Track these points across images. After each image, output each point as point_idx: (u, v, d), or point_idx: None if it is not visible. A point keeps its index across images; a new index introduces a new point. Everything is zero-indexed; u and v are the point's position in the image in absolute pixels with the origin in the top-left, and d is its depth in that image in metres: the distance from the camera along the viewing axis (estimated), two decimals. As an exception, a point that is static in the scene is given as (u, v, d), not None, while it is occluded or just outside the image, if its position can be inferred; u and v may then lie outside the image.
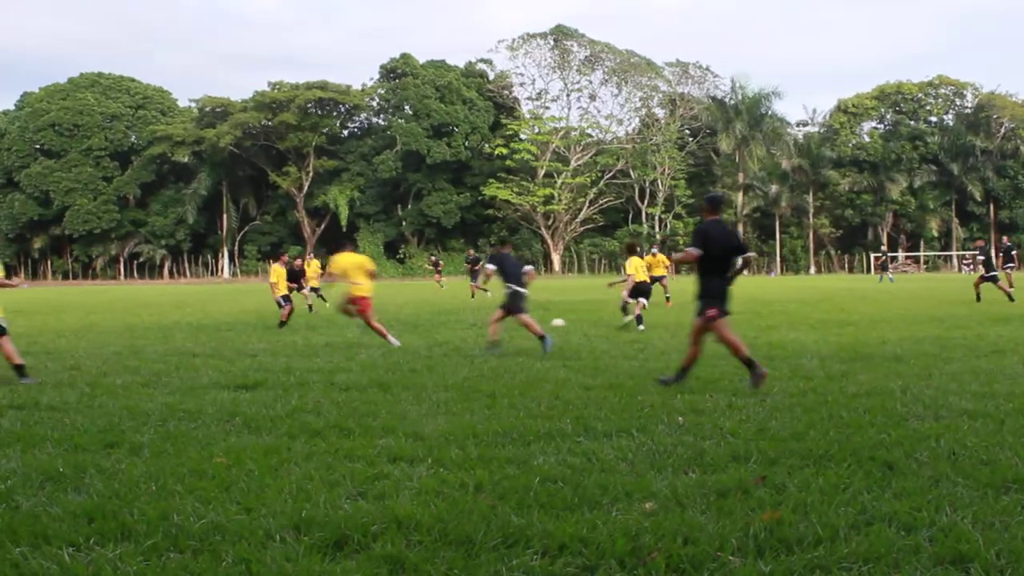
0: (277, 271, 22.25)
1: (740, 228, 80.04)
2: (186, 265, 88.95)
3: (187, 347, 15.65)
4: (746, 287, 41.56)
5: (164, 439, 7.50)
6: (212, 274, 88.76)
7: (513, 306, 14.14)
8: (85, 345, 16.66)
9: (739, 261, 10.03)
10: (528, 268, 14.77)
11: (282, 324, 20.68)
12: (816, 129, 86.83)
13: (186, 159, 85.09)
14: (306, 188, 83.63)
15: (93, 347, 16.21)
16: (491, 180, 79.73)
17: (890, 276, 51.36)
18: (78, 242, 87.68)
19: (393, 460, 6.68)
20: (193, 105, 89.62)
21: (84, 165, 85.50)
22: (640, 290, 19.13)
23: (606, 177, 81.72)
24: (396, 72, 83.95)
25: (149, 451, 7.07)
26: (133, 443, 7.34)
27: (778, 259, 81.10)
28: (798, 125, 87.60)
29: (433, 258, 54.06)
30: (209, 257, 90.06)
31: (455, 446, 7.09)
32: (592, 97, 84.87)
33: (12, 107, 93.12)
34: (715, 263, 9.77)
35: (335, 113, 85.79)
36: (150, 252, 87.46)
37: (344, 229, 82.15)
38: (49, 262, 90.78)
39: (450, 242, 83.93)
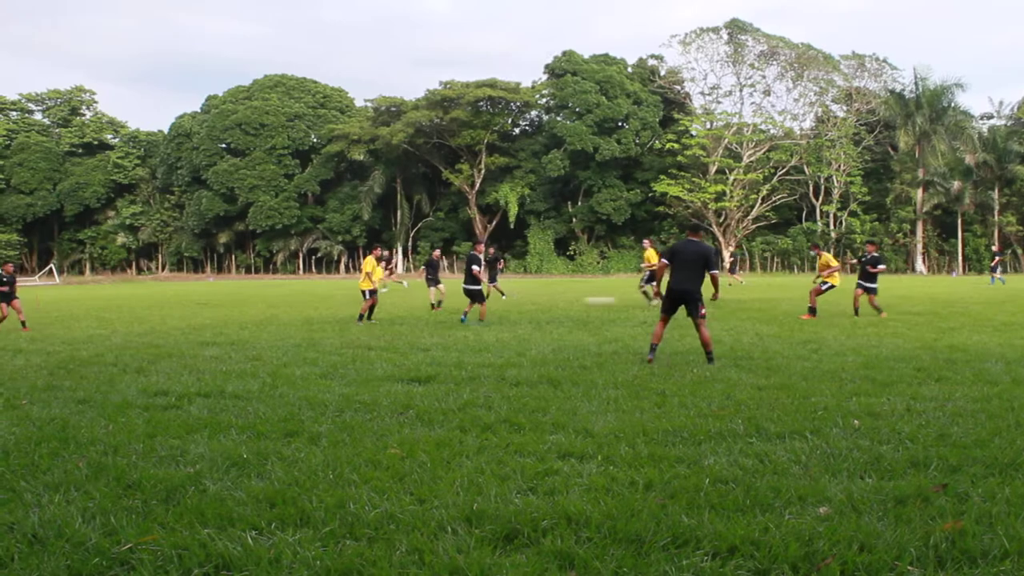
0: (370, 262, 22.53)
1: (919, 226, 77.05)
2: (361, 260, 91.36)
3: (362, 340, 16.08)
4: (926, 287, 39.87)
5: (341, 429, 7.76)
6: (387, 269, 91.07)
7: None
8: (266, 337, 17.33)
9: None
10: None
11: (362, 318, 21.08)
12: (1003, 122, 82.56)
13: (362, 157, 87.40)
14: (478, 185, 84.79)
15: (274, 339, 16.86)
16: (662, 176, 79.05)
17: (1000, 277, 48.10)
18: (260, 237, 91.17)
19: (563, 456, 6.72)
20: (369, 104, 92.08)
21: (267, 163, 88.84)
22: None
23: (779, 174, 79.89)
24: (560, 70, 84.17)
25: (327, 441, 7.33)
26: (312, 433, 7.62)
27: (960, 258, 77.54)
28: (983, 118, 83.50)
29: (491, 250, 52.42)
30: (383, 252, 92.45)
31: (625, 444, 7.08)
32: (766, 92, 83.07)
33: (198, 110, 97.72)
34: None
35: (505, 111, 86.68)
36: (327, 247, 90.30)
37: (513, 226, 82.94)
38: (233, 256, 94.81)
39: (620, 239, 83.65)
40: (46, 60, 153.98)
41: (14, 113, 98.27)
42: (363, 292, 21.88)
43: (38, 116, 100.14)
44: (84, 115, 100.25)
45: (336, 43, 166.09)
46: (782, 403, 8.82)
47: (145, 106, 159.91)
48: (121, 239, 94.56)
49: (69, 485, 6.05)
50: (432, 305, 26.61)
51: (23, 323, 21.63)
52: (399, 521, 5.15)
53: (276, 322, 21.85)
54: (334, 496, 5.63)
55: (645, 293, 26.39)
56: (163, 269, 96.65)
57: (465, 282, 21.16)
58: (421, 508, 5.39)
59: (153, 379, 11.13)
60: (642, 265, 27.51)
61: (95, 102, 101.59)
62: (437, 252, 31.25)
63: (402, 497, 5.63)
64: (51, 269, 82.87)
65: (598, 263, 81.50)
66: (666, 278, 12.95)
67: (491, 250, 30.53)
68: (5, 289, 22.02)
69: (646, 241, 29.33)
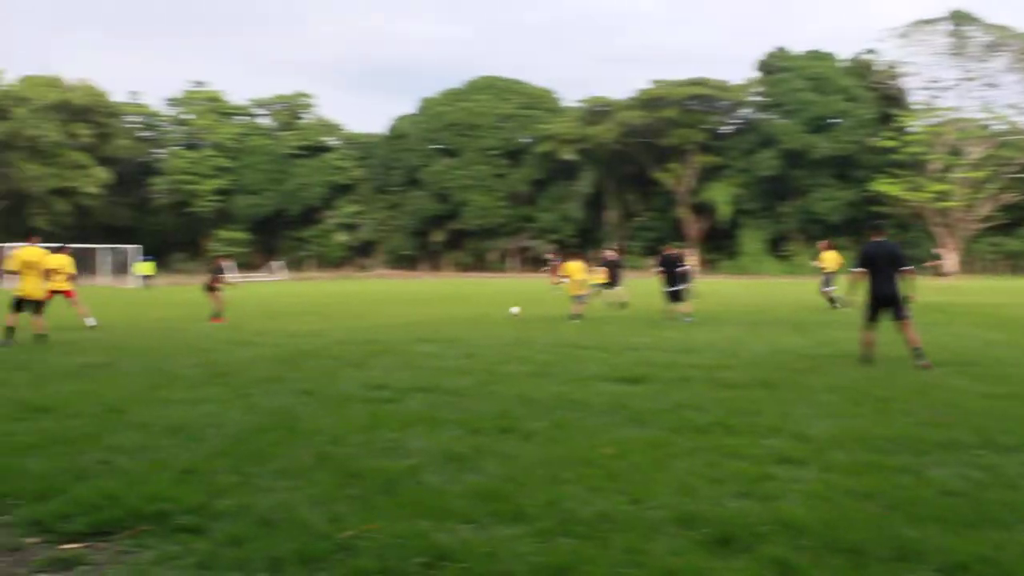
0: (574, 266, 23.23)
1: None
2: (561, 261, 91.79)
3: (573, 339, 16.20)
4: None
5: (554, 427, 7.84)
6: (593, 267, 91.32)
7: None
8: (479, 334, 17.67)
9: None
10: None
11: (573, 317, 21.44)
12: None
13: (571, 157, 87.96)
14: (688, 185, 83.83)
15: (486, 336, 17.18)
16: (879, 174, 75.96)
17: None
18: (473, 236, 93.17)
19: (779, 461, 6.59)
20: (577, 104, 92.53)
21: (479, 163, 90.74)
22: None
23: (1009, 171, 75.31)
24: (771, 67, 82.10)
25: (540, 438, 7.42)
26: (526, 430, 7.73)
27: None
28: None
29: (550, 255, 50.99)
30: (593, 252, 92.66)
31: (842, 450, 6.88)
32: (992, 86, 78.51)
33: (413, 111, 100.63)
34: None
35: (715, 109, 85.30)
36: (538, 247, 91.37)
37: (728, 227, 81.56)
38: (447, 255, 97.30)
39: (835, 239, 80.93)
40: (271, 67, 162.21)
41: (243, 118, 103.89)
42: (576, 297, 22.62)
43: (263, 120, 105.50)
44: (304, 119, 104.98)
45: (542, 44, 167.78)
46: (1014, 413, 8.34)
47: (361, 109, 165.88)
48: (340, 237, 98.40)
49: (296, 472, 6.36)
50: (617, 306, 26.46)
51: (217, 315, 23.34)
52: (613, 520, 5.17)
53: (488, 320, 22.26)
54: (548, 493, 5.70)
55: (831, 299, 25.58)
56: (380, 266, 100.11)
57: (668, 284, 21.71)
58: (634, 508, 5.39)
59: (372, 373, 11.54)
60: (818, 266, 26.65)
61: (314, 106, 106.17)
62: (611, 252, 30.84)
63: (615, 496, 5.65)
64: (276, 265, 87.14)
65: (812, 264, 79.06)
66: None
67: (611, 253, 29.97)
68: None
69: (823, 243, 28.46)
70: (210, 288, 24.62)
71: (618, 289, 27.20)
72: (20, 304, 16.80)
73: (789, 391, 9.75)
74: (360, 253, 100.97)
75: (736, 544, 4.82)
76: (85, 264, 74.23)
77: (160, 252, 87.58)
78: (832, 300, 25.54)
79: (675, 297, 21.87)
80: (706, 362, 12.39)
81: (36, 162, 79.44)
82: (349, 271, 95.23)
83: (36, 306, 16.95)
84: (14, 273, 17.13)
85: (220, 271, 25.25)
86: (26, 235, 18.95)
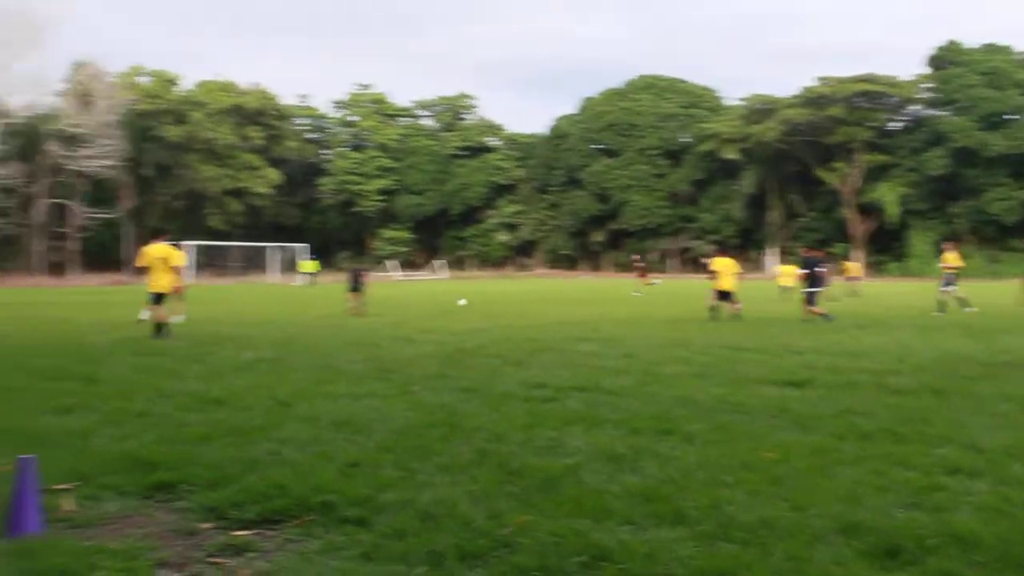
0: (723, 262, 23.44)
1: None
2: (711, 261, 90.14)
3: (733, 341, 15.98)
4: None
5: (714, 429, 7.75)
6: (758, 269, 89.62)
7: None
8: (638, 334, 17.62)
9: None
10: None
11: (713, 314, 22.20)
12: None
13: (733, 156, 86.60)
14: (853, 184, 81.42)
15: (645, 336, 17.12)
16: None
17: None
18: (633, 236, 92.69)
19: (950, 472, 6.34)
20: (740, 103, 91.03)
21: (639, 163, 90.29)
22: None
23: None
24: (942, 62, 78.85)
25: (700, 440, 7.35)
26: (685, 431, 7.67)
27: None
28: None
29: (636, 257, 49.31)
30: (755, 253, 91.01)
31: (1019, 463, 6.58)
32: None
33: (573, 111, 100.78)
34: None
35: (883, 106, 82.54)
36: (699, 247, 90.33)
37: (896, 228, 78.85)
38: (607, 255, 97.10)
39: (1011, 241, 77.12)
40: (433, 69, 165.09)
41: (406, 119, 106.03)
42: (719, 293, 22.48)
43: (426, 121, 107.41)
44: (466, 119, 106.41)
45: (704, 42, 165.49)
46: None
47: (522, 109, 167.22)
48: (501, 237, 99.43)
49: (457, 468, 6.47)
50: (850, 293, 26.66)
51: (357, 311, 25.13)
52: (774, 526, 5.08)
53: (647, 320, 22.17)
54: (708, 496, 5.64)
55: (956, 299, 24.85)
56: (540, 266, 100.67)
57: (807, 286, 22.47)
58: (797, 515, 5.28)
59: (532, 372, 11.64)
60: (943, 267, 26.31)
61: (476, 107, 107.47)
62: (810, 251, 30.23)
63: (776, 502, 5.55)
64: (438, 264, 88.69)
65: (987, 267, 75.57)
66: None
67: (636, 256, 30.72)
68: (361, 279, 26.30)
69: (948, 243, 27.54)
70: (354, 288, 26.11)
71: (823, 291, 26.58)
72: (155, 298, 17.65)
73: (961, 399, 9.38)
74: (520, 252, 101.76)
75: (903, 556, 4.67)
76: (256, 262, 77.41)
77: (325, 250, 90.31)
78: (959, 301, 25.14)
79: (811, 299, 22.17)
80: (873, 366, 12.02)
81: (211, 164, 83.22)
82: (509, 270, 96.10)
83: (161, 298, 17.78)
84: (144, 269, 17.95)
85: (362, 273, 26.89)
86: (155, 233, 19.83)
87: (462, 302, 29.29)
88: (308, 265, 63.12)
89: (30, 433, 7.64)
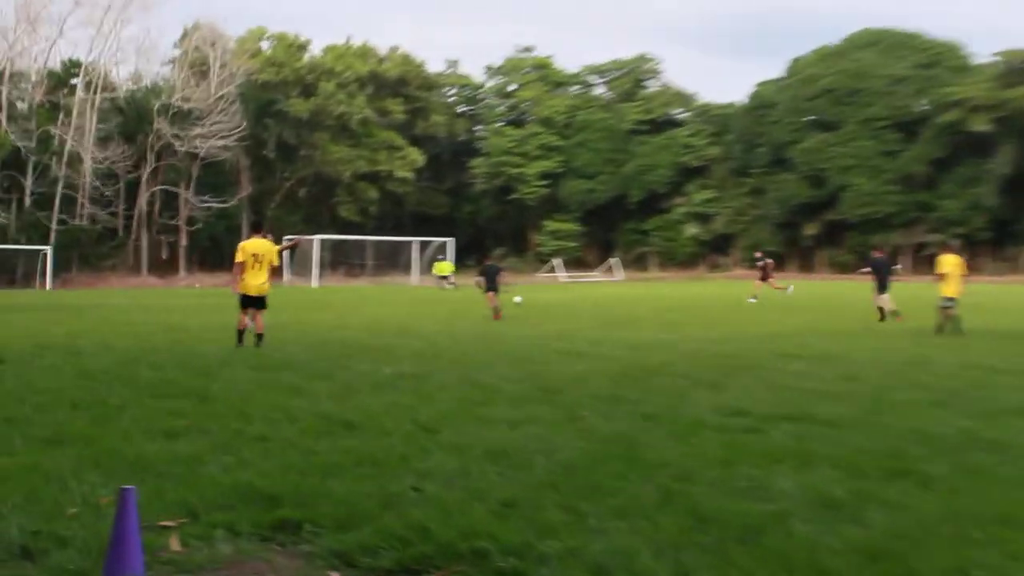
0: (951, 261, 23.29)
1: None
2: (985, 258, 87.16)
3: (986, 361, 15.46)
4: None
5: (960, 472, 7.49)
6: (1015, 271, 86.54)
7: None
8: (863, 350, 17.26)
9: None
10: None
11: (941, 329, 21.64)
12: None
13: (985, 128, 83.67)
14: None
15: (872, 353, 16.75)
16: None
17: None
18: (854, 229, 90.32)
19: None
20: (993, 60, 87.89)
21: (861, 138, 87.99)
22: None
23: None
24: None
25: (942, 486, 7.11)
26: (922, 474, 7.43)
27: None
28: None
29: (758, 254, 46.29)
30: (1013, 250, 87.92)
31: None
32: None
33: (779, 75, 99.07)
34: None
35: None
36: (940, 241, 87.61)
37: None
38: (821, 252, 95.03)
39: None
40: (607, 28, 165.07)
41: (575, 87, 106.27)
42: (945, 299, 22.38)
43: (599, 90, 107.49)
44: (649, 87, 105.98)
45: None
46: None
47: (717, 74, 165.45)
48: (690, 230, 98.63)
49: (636, 512, 6.42)
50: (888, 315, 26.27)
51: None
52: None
53: (873, 333, 21.69)
54: (953, 557, 5.44)
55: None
56: (737, 266, 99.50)
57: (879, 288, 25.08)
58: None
59: (729, 395, 11.51)
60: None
61: (661, 71, 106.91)
62: (878, 252, 29.99)
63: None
64: (613, 264, 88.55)
65: None
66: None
67: (758, 252, 30.45)
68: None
69: None
70: (491, 288, 27.67)
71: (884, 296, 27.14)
72: (245, 302, 18.12)
73: None
74: (713, 249, 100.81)
75: None
76: (394, 259, 78.95)
77: (477, 246, 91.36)
78: None
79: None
80: None
81: (343, 143, 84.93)
82: (700, 271, 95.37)
83: (258, 303, 18.20)
84: (241, 266, 18.42)
85: (498, 271, 28.47)
86: (255, 228, 20.14)
87: (517, 300, 31.48)
88: (442, 267, 64.28)
89: (133, 459, 7.94)
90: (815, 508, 6.51)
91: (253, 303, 18.20)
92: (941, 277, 22.87)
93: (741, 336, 20.54)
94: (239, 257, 18.42)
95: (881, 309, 26.32)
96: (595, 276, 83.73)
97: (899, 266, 24.64)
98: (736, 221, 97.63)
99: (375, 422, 9.70)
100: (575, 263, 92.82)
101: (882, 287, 26.65)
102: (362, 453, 8.18)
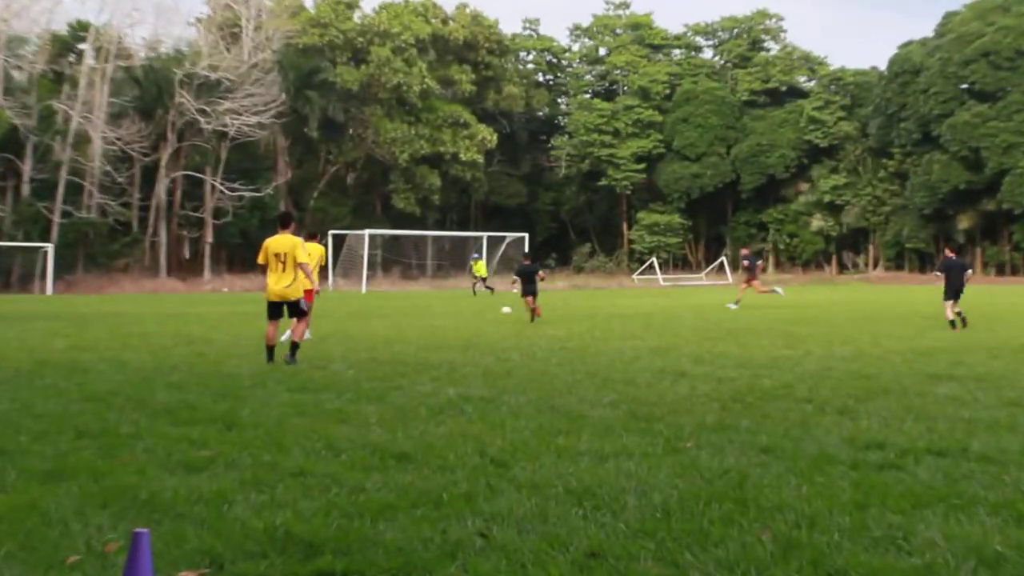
0: None
1: None
2: None
3: None
4: None
5: None
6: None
7: None
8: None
9: None
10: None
11: None
12: None
13: None
14: None
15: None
16: None
17: None
18: (1019, 221, 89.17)
19: None
20: None
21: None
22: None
23: None
24: None
25: None
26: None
27: None
28: None
29: (745, 251, 45.39)
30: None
31: None
32: None
33: (927, 35, 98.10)
34: None
35: None
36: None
37: None
38: (978, 250, 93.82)
39: None
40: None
41: (677, 52, 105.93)
42: None
43: (707, 55, 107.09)
44: (769, 50, 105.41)
45: None
46: None
47: (851, 33, 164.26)
48: (816, 223, 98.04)
49: (749, 564, 6.36)
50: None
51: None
52: None
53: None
54: None
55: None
56: (875, 266, 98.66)
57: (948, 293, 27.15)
58: None
59: (862, 424, 11.38)
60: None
61: (783, 31, 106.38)
62: (951, 251, 30.47)
63: None
64: (722, 263, 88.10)
65: None
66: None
67: (744, 250, 30.92)
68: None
69: None
70: (528, 292, 29.55)
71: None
72: (272, 310, 18.23)
73: None
74: (845, 246, 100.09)
75: None
76: (460, 258, 79.00)
77: (560, 241, 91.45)
78: None
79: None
80: None
81: (400, 120, 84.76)
82: (828, 273, 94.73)
83: (288, 309, 18.34)
84: (263, 268, 18.55)
85: (533, 272, 29.75)
86: (282, 220, 19.52)
87: (506, 310, 33.37)
88: (479, 267, 62.43)
89: (147, 497, 8.00)
90: (971, 561, 6.42)
91: (277, 311, 18.39)
92: None
93: (878, 352, 20.34)
94: (260, 257, 18.61)
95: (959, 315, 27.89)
96: (701, 278, 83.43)
97: (971, 271, 25.00)
98: (873, 212, 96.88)
99: (435, 454, 9.71)
100: (677, 263, 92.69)
101: (954, 293, 27.95)
102: (419, 491, 8.19)
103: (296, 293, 18.36)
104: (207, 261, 77.14)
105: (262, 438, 10.56)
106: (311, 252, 20.30)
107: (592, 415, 12.06)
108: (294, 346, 18.28)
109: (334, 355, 19.64)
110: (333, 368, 17.31)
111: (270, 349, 18.17)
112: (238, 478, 8.73)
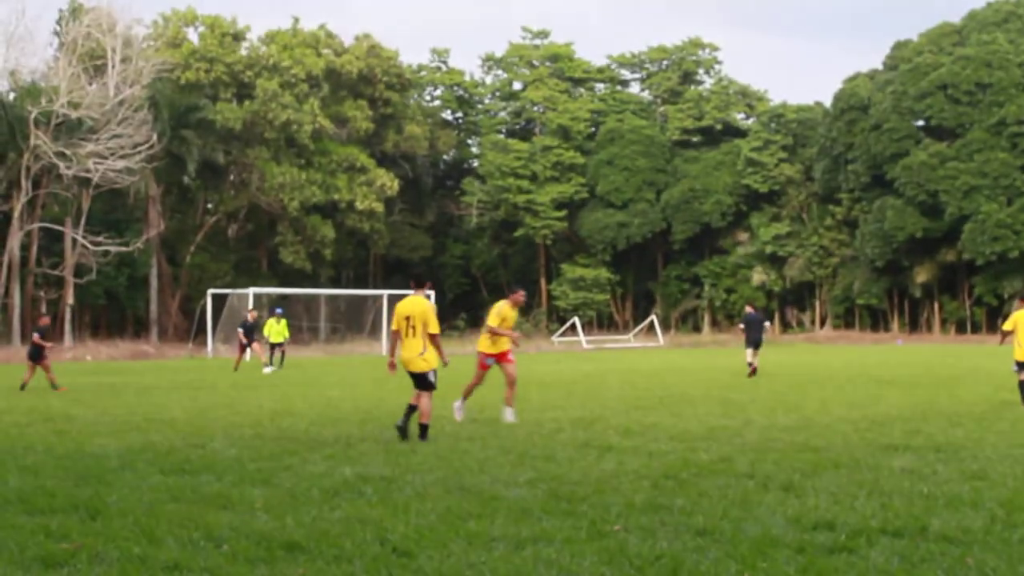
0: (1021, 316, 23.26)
1: None
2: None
3: None
4: None
5: None
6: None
7: None
8: (994, 438, 17.29)
9: None
10: None
11: None
12: None
13: None
14: None
15: (1007, 442, 16.73)
16: None
17: None
18: (981, 274, 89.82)
19: None
20: None
21: (991, 149, 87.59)
22: None
23: None
24: None
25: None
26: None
27: None
28: None
29: (749, 310, 45.58)
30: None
31: None
32: None
33: (876, 66, 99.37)
34: None
35: None
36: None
37: None
38: (935, 305, 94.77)
39: None
40: (645, 4, 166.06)
41: (600, 86, 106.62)
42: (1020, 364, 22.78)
43: (634, 89, 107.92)
44: (702, 84, 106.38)
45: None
46: None
47: (793, 65, 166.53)
48: (757, 277, 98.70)
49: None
50: None
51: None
52: None
53: (1010, 413, 21.65)
54: None
55: None
56: (822, 324, 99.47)
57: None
58: None
59: (810, 502, 11.48)
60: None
61: (718, 62, 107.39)
62: (752, 308, 31.72)
63: None
64: (652, 322, 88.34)
65: None
66: None
67: (749, 308, 34.67)
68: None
69: None
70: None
71: None
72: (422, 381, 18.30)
73: None
74: (790, 301, 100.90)
75: None
76: (357, 319, 78.81)
77: (470, 299, 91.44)
78: None
79: None
80: None
81: (288, 163, 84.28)
82: (770, 333, 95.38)
83: (416, 380, 18.29)
84: (395, 335, 18.39)
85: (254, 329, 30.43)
86: (416, 280, 19.22)
87: (267, 369, 36.65)
88: (272, 329, 48.17)
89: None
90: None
91: (413, 380, 18.35)
92: (1007, 337, 23.34)
93: (826, 421, 20.51)
94: (393, 324, 18.55)
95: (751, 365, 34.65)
96: (629, 340, 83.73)
97: (768, 323, 26.13)
98: (820, 265, 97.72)
99: (329, 543, 9.67)
100: (603, 322, 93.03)
101: (753, 343, 35.76)
102: (313, 586, 8.15)
103: (423, 365, 18.17)
104: (67, 326, 75.96)
105: (131, 527, 10.46)
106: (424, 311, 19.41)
107: (507, 496, 12.06)
108: (423, 428, 18.11)
109: (214, 431, 19.49)
110: (213, 446, 17.18)
111: (401, 430, 18.16)
112: (103, 574, 8.64)
